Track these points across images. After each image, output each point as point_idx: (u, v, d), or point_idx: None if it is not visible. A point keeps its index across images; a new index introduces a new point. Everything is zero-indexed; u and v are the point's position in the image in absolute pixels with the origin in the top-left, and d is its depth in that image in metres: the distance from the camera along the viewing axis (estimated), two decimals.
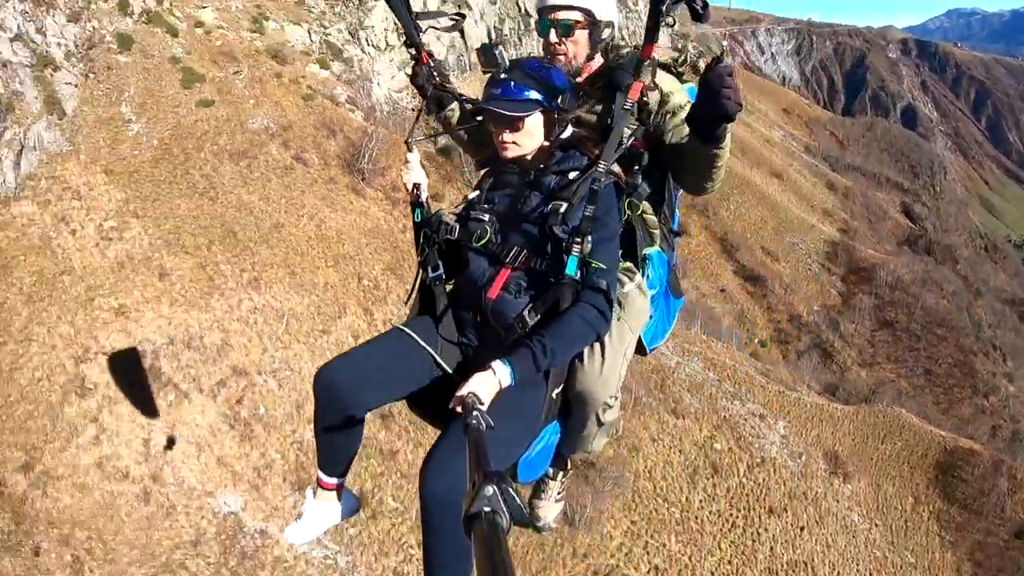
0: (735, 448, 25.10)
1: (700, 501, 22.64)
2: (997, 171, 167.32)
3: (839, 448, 28.25)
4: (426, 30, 3.13)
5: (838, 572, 23.45)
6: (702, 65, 2.44)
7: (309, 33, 38.29)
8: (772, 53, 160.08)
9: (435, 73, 3.13)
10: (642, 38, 2.70)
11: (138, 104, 25.63)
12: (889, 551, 25.35)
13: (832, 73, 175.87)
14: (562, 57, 2.79)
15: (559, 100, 2.52)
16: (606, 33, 2.84)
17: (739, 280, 46.05)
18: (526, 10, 50.88)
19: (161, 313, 20.28)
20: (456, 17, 3.21)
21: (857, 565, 24.21)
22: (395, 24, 47.03)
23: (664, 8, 2.36)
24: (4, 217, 20.62)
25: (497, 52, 2.69)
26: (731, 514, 22.88)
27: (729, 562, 21.39)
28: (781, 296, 46.35)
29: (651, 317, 2.88)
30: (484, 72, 2.74)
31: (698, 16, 2.37)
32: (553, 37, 2.78)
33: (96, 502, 16.97)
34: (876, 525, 26.09)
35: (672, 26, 2.45)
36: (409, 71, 3.19)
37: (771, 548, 22.52)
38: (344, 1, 41.81)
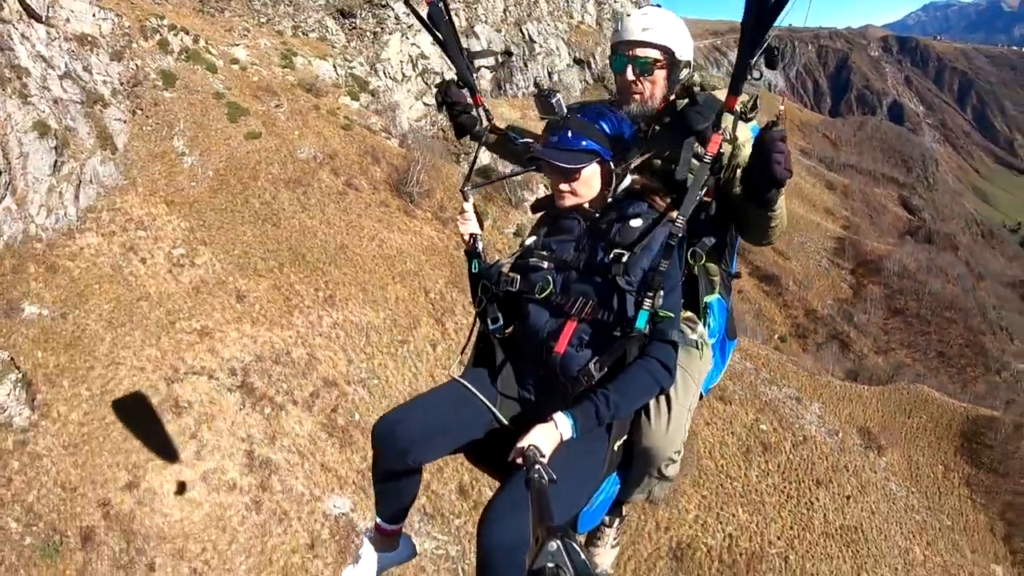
0: (779, 428, 26.99)
1: (756, 476, 24.50)
2: (987, 160, 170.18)
3: (870, 424, 29.97)
4: (479, 69, 3.82)
5: (885, 535, 25.08)
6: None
7: (335, 67, 40.55)
8: None
9: (489, 115, 3.16)
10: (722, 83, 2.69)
11: (189, 138, 27.33)
12: (927, 515, 27.00)
13: (817, 76, 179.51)
14: (638, 96, 2.79)
15: (616, 150, 2.50)
16: (684, 74, 2.82)
17: (754, 280, 48.11)
18: (530, 37, 53.20)
19: (245, 332, 21.96)
20: (504, 55, 3.84)
21: (901, 528, 25.86)
22: (410, 57, 49.20)
23: (753, 61, 2.31)
24: (71, 248, 22.07)
25: (555, 100, 2.56)
26: (785, 486, 24.69)
27: (791, 528, 23.19)
28: (796, 293, 48.51)
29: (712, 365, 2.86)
30: (541, 119, 2.68)
31: (772, 65, 2.36)
32: (630, 75, 2.76)
33: (207, 514, 18.08)
34: (912, 492, 27.71)
35: (759, 79, 2.42)
36: (445, 107, 3.13)
37: (824, 515, 24.28)
38: (359, 36, 44.11)
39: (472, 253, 2.82)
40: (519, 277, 2.60)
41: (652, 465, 2.71)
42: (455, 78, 3.03)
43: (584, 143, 2.43)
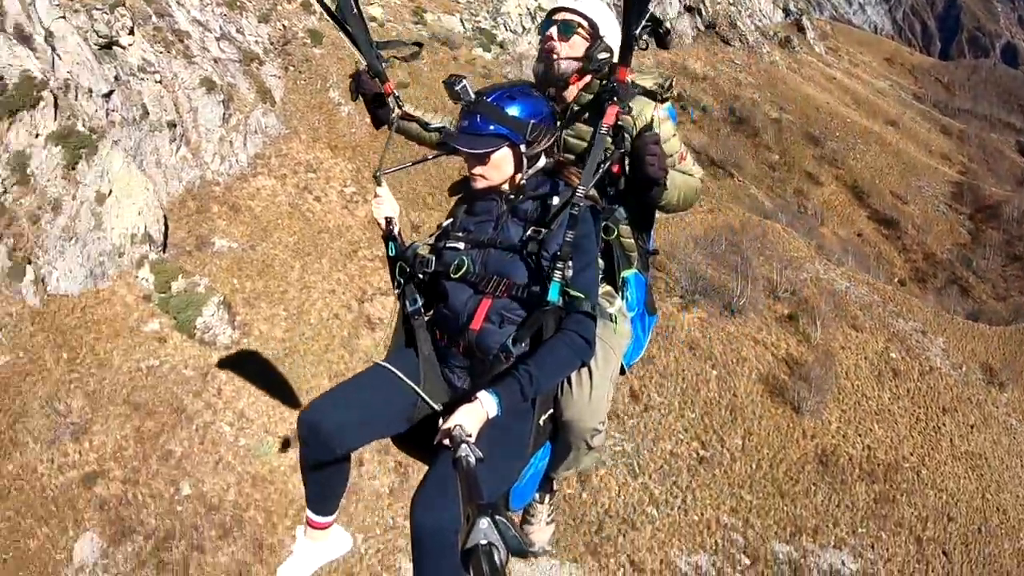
0: (907, 357, 28.64)
1: (888, 398, 26.37)
2: None
3: (992, 361, 30.72)
4: (388, 59, 3.17)
5: (1006, 464, 26.36)
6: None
7: (462, 22, 42.88)
8: (860, 3, 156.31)
9: (400, 102, 3.18)
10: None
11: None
12: None
13: (924, 18, 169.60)
14: (553, 56, 2.82)
15: (527, 133, 2.49)
16: (603, 56, 2.84)
17: (873, 224, 48.51)
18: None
19: None
20: (415, 46, 3.33)
21: (1021, 461, 27.03)
22: (528, 10, 50.00)
23: (636, 32, 2.40)
24: (248, 190, 25.13)
25: (460, 88, 2.61)
26: (914, 410, 26.40)
27: (921, 447, 25.21)
28: (914, 236, 48.67)
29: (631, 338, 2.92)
30: (455, 104, 2.71)
31: (662, 42, 2.48)
32: (552, 32, 2.83)
33: None
34: None
35: (644, 50, 2.54)
36: (361, 97, 3.16)
37: (950, 440, 25.90)
38: None
39: (388, 236, 2.84)
40: (435, 258, 2.63)
41: (578, 437, 2.74)
42: (365, 67, 3.08)
43: (492, 127, 2.47)
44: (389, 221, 2.87)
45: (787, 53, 63.66)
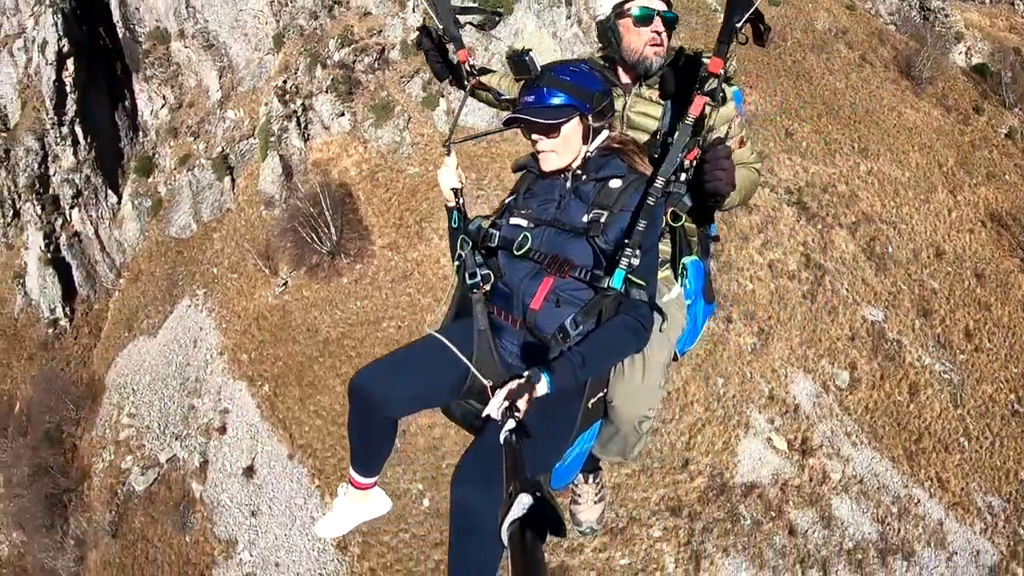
0: None
1: None
2: None
3: None
4: (464, 25, 3.05)
5: None
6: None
7: None
8: None
9: (474, 71, 3.11)
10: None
11: None
12: None
13: None
14: (660, 49, 2.74)
15: (593, 103, 2.47)
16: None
17: None
18: None
19: (795, 163, 26.70)
20: (494, 15, 3.21)
21: None
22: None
23: (739, 25, 2.33)
24: None
25: (528, 58, 2.53)
26: None
27: None
28: None
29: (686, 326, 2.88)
30: (516, 80, 2.69)
31: (760, 39, 2.38)
32: (659, 26, 2.73)
33: (771, 292, 23.74)
34: None
35: (743, 44, 2.44)
36: (433, 54, 3.11)
37: None
38: None
39: (453, 208, 2.81)
40: (498, 233, 2.60)
41: (627, 422, 2.72)
42: (429, 27, 3.08)
43: (560, 99, 2.43)
44: (456, 192, 2.84)
45: None
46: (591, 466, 3.36)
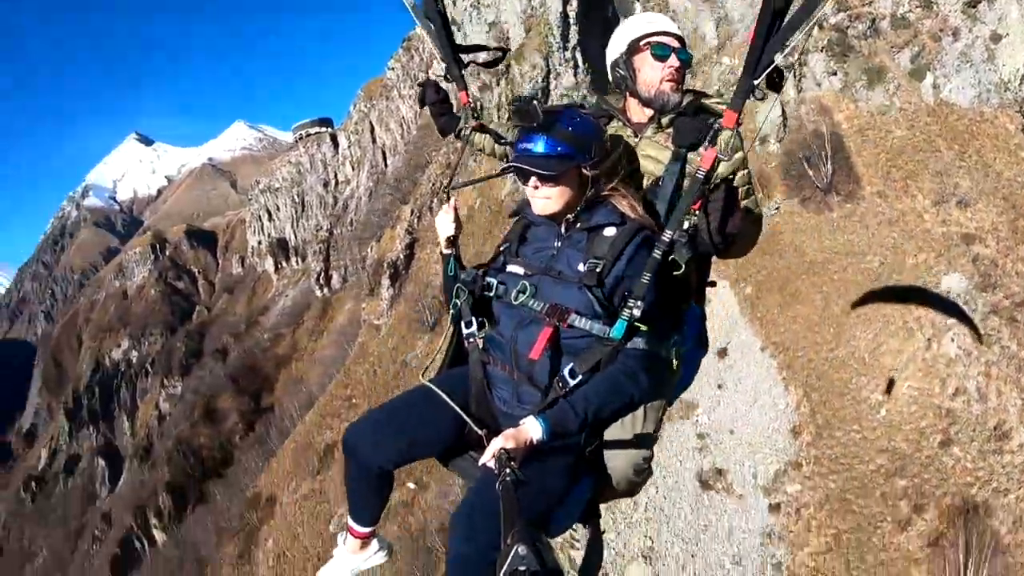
0: None
1: None
2: None
3: None
4: (468, 65, 2.98)
5: None
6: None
7: None
8: None
9: (476, 114, 3.07)
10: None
11: None
12: None
13: None
14: (675, 86, 2.75)
15: (592, 154, 2.43)
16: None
17: None
18: None
19: None
20: (499, 51, 3.10)
21: None
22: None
23: (757, 82, 2.30)
24: None
25: (532, 106, 2.47)
26: None
27: None
28: None
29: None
30: (516, 126, 2.63)
31: (776, 87, 2.33)
32: (674, 62, 2.73)
33: None
34: None
35: (761, 99, 2.40)
36: (436, 108, 3.10)
37: None
38: None
39: (449, 255, 2.79)
40: (496, 282, 2.56)
41: (624, 469, 2.72)
42: (434, 77, 2.96)
43: (560, 148, 2.39)
44: (452, 240, 2.83)
45: None
46: (590, 512, 3.23)
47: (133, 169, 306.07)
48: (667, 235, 2.36)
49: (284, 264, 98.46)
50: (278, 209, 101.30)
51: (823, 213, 27.56)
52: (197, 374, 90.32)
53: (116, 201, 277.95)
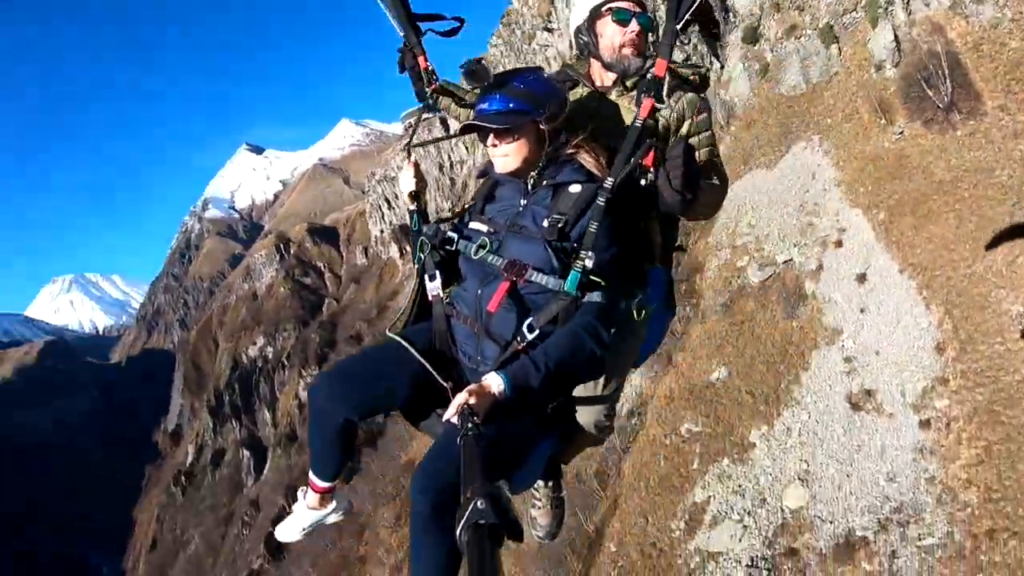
0: None
1: None
2: None
3: None
4: (425, 33, 2.99)
5: None
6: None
7: None
8: None
9: (435, 77, 3.08)
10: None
11: None
12: None
13: None
14: (635, 50, 2.76)
15: (547, 109, 2.47)
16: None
17: None
18: None
19: None
20: (456, 20, 3.06)
21: None
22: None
23: (678, 26, 2.30)
24: None
25: (481, 66, 2.61)
26: None
27: None
28: None
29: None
30: (471, 88, 2.73)
31: (714, 35, 2.02)
32: (635, 27, 2.74)
33: None
34: None
35: (687, 44, 2.45)
36: (420, 84, 3.10)
37: None
38: None
39: (413, 211, 2.88)
40: (458, 237, 2.62)
41: (586, 423, 2.76)
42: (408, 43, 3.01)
43: (512, 104, 2.44)
44: (416, 196, 2.93)
45: None
46: (552, 471, 3.34)
47: (248, 178, 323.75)
48: (608, 182, 2.43)
49: (408, 249, 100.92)
50: (396, 197, 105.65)
51: (947, 133, 27.70)
52: (334, 360, 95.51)
53: (235, 210, 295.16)
